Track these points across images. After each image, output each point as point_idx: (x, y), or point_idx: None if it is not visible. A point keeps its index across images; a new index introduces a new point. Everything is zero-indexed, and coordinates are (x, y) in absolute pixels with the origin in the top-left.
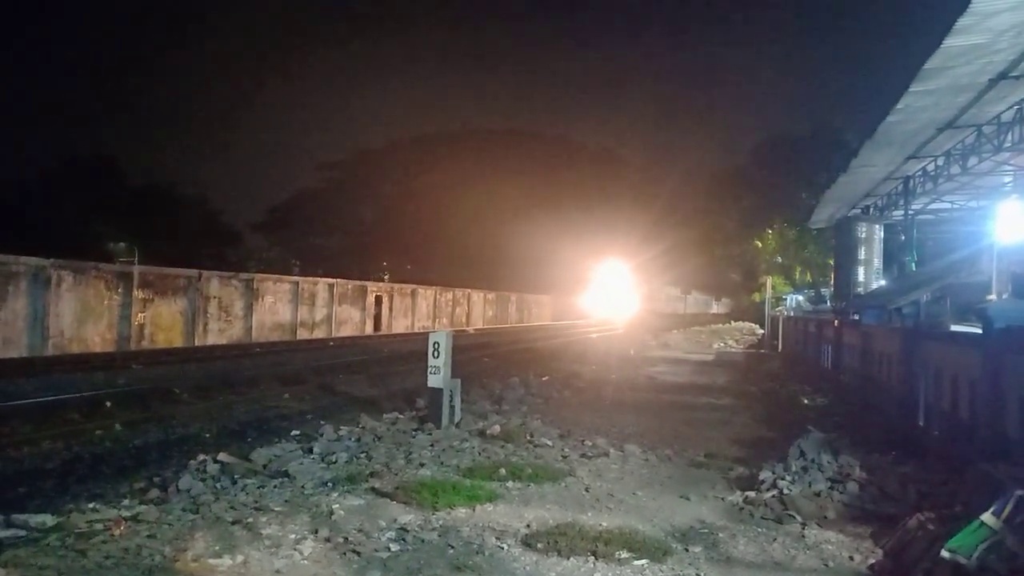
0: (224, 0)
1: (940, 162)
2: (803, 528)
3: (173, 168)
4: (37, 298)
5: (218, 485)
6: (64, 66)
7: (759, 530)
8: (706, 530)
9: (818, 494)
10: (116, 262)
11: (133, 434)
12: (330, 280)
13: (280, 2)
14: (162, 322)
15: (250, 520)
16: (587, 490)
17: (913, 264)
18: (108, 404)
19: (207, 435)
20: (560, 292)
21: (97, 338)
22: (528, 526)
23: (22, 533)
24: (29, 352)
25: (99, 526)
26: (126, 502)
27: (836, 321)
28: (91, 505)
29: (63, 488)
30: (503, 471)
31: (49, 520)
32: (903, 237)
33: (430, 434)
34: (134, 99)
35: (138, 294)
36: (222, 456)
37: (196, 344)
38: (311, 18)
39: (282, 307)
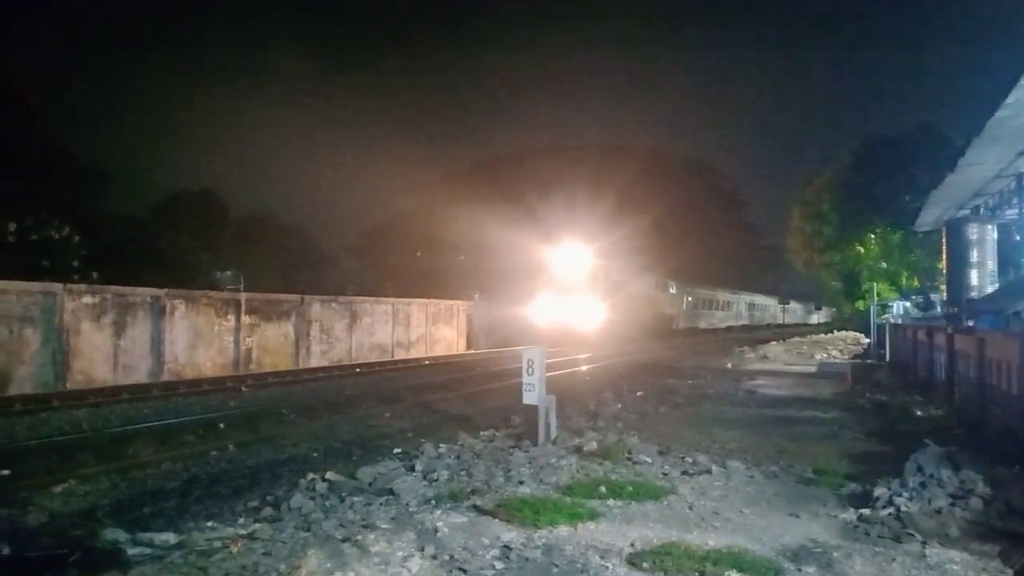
0: (306, 36)
1: None
2: (924, 547)
3: (274, 198)
4: (153, 326)
5: (327, 503)
6: (171, 110)
7: (876, 549)
8: (819, 549)
9: (939, 511)
10: (223, 290)
11: (246, 454)
12: (424, 300)
13: (363, 32)
14: (268, 346)
15: (359, 537)
16: (691, 508)
17: None
18: (222, 426)
19: (315, 454)
20: None
21: (208, 363)
22: (632, 545)
23: (147, 551)
24: (147, 378)
25: (218, 544)
26: (242, 520)
27: (949, 328)
28: (209, 523)
29: (183, 507)
30: (603, 489)
31: (172, 538)
32: (1018, 237)
33: (527, 451)
34: (235, 136)
35: (246, 319)
36: (330, 475)
37: (300, 366)
38: (395, 44)
39: (379, 328)
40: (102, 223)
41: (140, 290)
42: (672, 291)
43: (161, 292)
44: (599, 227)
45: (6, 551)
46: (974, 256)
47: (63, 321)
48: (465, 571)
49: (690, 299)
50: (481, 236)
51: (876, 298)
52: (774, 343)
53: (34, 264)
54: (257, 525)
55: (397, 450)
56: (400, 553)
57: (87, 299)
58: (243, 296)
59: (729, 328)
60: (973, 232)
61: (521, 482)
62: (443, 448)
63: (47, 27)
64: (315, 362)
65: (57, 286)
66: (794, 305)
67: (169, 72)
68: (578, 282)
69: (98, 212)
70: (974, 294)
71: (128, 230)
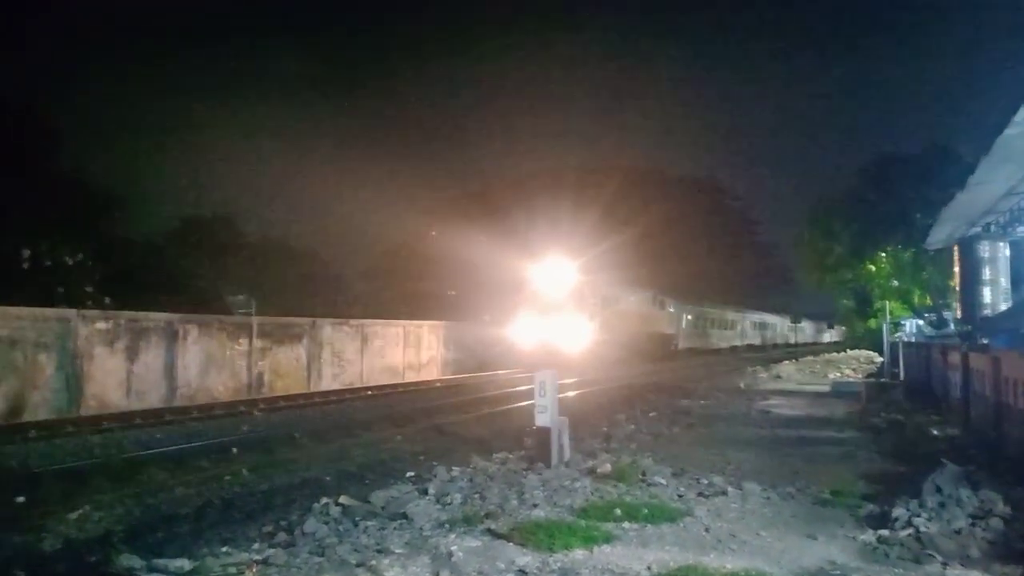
0: (317, 62)
1: None
2: (944, 568)
3: (286, 222)
4: (167, 351)
5: (341, 527)
6: (183, 135)
7: (896, 571)
8: (838, 571)
9: (958, 531)
10: (236, 313)
11: (259, 479)
12: (433, 323)
13: (374, 57)
14: (280, 369)
15: (373, 563)
16: (707, 530)
17: None
18: (235, 450)
19: (327, 478)
20: None
21: (221, 387)
22: (648, 568)
23: None
24: (160, 403)
25: (232, 569)
26: (256, 546)
27: (963, 346)
28: (224, 549)
29: (197, 533)
30: (618, 511)
31: (187, 565)
32: None
33: (540, 474)
34: (248, 160)
35: (257, 343)
36: (343, 499)
37: (312, 389)
38: (404, 60)
39: (390, 351)
40: (115, 248)
41: (153, 315)
42: (670, 309)
43: (174, 317)
44: (587, 240)
45: None
46: (986, 274)
47: (77, 347)
48: None
49: (690, 317)
50: (474, 257)
51: (888, 316)
52: (786, 362)
53: (48, 289)
54: (271, 550)
55: (410, 473)
56: None
57: (100, 324)
58: (255, 320)
59: (734, 348)
60: (985, 250)
61: (535, 505)
62: (456, 471)
63: (60, 51)
64: (327, 385)
65: (71, 312)
66: (805, 324)
67: (181, 95)
68: (563, 299)
69: (111, 237)
70: (987, 312)
71: (141, 255)
